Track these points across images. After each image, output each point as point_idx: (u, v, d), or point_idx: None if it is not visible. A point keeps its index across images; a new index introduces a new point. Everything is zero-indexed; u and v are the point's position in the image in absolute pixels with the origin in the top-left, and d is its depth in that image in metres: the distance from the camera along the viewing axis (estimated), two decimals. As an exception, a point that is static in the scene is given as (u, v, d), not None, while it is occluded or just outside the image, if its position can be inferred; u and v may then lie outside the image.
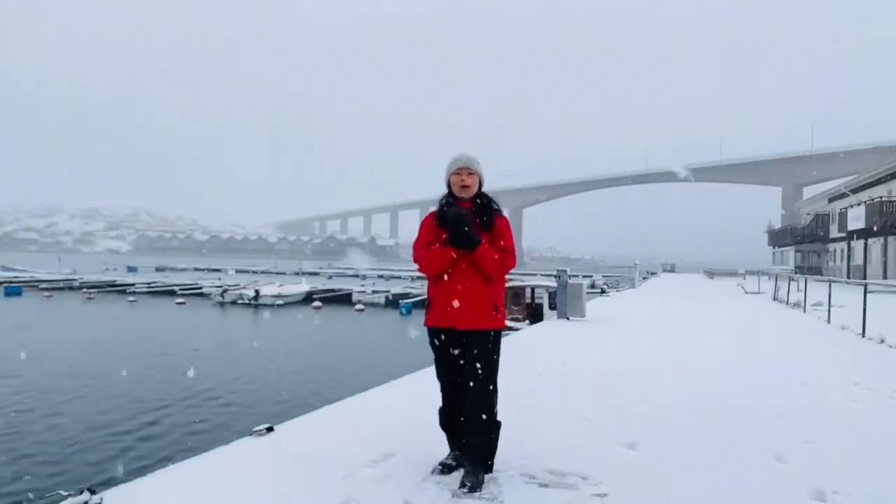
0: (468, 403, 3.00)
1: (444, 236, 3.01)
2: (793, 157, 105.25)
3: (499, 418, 3.07)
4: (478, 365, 2.99)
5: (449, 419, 3.17)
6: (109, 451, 7.68)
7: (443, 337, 3.08)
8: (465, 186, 3.10)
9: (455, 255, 2.99)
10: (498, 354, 3.08)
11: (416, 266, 3.16)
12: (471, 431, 3.00)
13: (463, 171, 3.11)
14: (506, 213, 3.29)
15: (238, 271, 59.84)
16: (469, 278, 3.02)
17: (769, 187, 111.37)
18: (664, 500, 2.87)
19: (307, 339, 19.75)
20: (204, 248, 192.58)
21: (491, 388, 3.02)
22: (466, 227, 2.95)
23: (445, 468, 3.10)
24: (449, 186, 3.17)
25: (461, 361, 3.05)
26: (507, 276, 3.52)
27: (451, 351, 3.07)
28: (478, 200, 3.14)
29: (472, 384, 2.98)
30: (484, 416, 2.98)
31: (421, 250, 3.10)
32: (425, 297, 3.21)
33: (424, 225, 3.15)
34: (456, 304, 2.99)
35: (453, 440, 3.20)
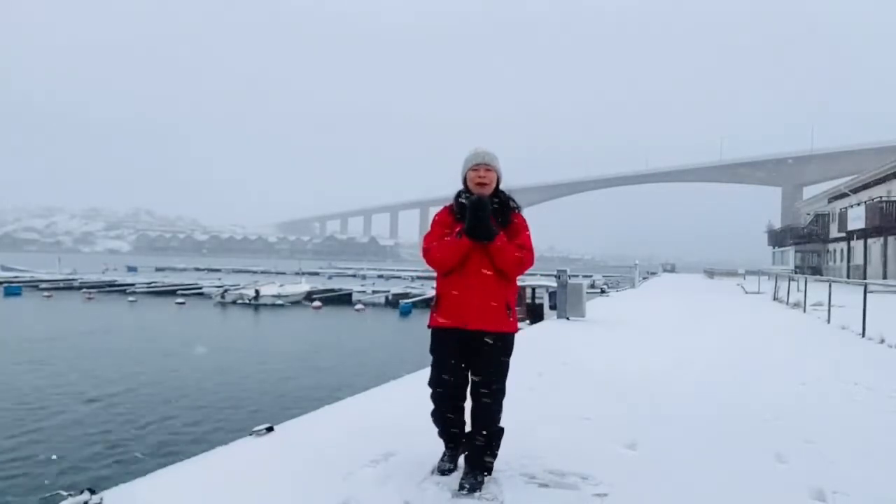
0: (474, 410, 2.92)
1: (457, 229, 2.84)
2: (793, 156, 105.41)
3: (501, 423, 2.98)
4: (487, 370, 2.87)
5: (447, 426, 3.04)
6: (109, 451, 7.67)
7: (449, 338, 2.89)
8: (481, 184, 2.92)
9: (470, 245, 2.80)
10: (508, 359, 2.95)
11: (423, 264, 2.96)
12: (474, 438, 2.93)
13: (481, 168, 2.93)
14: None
15: (237, 271, 59.88)
16: (483, 274, 2.84)
17: (769, 187, 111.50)
18: (664, 500, 2.87)
19: (307, 338, 19.74)
20: (204, 248, 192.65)
21: (499, 395, 2.91)
22: (486, 215, 2.76)
23: (445, 468, 3.07)
24: (465, 182, 2.99)
25: (466, 365, 2.92)
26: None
27: (458, 353, 2.89)
28: (495, 198, 2.95)
29: (480, 390, 2.89)
30: (489, 425, 2.90)
31: (433, 243, 2.90)
32: (425, 296, 3.20)
33: (437, 219, 3.00)
34: (470, 303, 2.82)
35: (452, 445, 3.11)
